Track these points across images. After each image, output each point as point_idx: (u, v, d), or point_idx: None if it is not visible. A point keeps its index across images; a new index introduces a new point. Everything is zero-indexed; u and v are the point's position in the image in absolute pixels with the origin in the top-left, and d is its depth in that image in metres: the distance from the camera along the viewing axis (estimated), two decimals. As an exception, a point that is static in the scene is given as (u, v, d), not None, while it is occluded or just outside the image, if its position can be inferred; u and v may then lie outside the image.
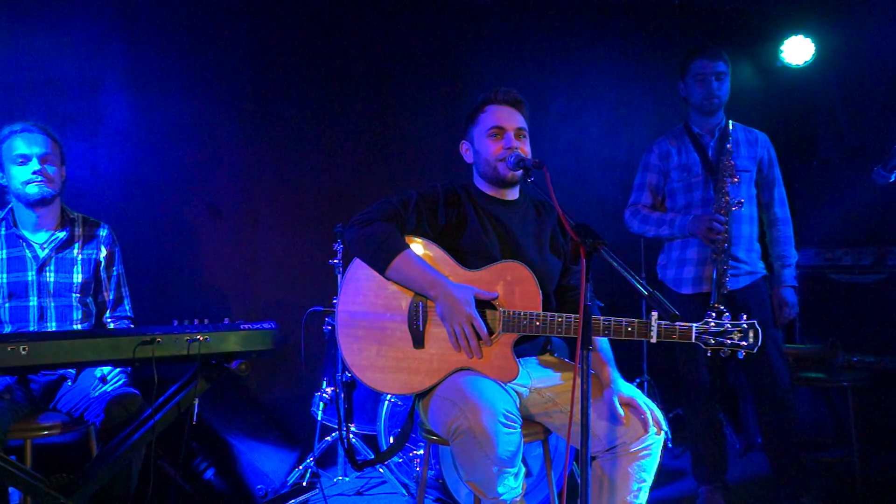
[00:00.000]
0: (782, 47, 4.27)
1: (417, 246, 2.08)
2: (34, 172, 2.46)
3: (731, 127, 2.86)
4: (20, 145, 2.47)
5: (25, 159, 2.47)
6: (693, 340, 1.89)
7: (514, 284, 2.02)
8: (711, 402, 2.93)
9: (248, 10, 3.72)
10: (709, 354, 1.97)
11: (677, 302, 2.85)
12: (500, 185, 2.20)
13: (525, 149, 2.16)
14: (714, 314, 1.91)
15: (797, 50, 4.23)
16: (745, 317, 1.90)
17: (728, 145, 2.81)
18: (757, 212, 2.95)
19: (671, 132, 3.04)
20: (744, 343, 1.87)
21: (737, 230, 2.82)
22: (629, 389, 1.99)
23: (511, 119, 2.17)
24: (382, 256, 2.01)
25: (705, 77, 2.88)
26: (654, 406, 1.96)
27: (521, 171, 2.09)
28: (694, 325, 1.89)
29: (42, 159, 2.49)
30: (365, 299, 2.06)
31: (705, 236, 2.76)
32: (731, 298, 2.76)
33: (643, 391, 4.05)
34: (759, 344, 1.88)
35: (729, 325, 1.89)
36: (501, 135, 2.15)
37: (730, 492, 2.91)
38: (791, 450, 2.82)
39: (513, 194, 2.24)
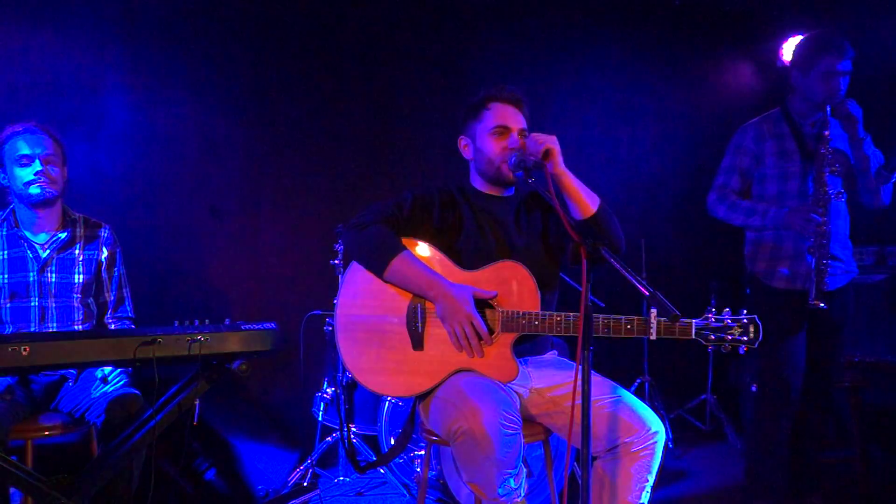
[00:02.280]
0: (782, 47, 4.27)
1: (414, 247, 2.07)
2: (36, 173, 2.46)
3: (829, 113, 2.63)
4: (22, 146, 2.47)
5: (28, 160, 2.47)
6: (693, 336, 1.88)
7: (512, 284, 2.02)
8: (793, 413, 2.72)
9: (249, 11, 3.72)
10: (710, 350, 1.95)
11: (769, 296, 2.71)
12: (499, 184, 2.20)
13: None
14: (714, 309, 1.90)
15: (798, 50, 4.22)
16: (745, 311, 1.89)
17: (826, 132, 2.60)
18: (847, 207, 2.75)
19: (767, 116, 2.80)
20: (744, 338, 1.87)
21: (833, 225, 2.60)
22: None
23: (515, 119, 2.16)
24: (379, 259, 2.01)
25: (834, 76, 2.62)
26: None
27: (521, 172, 2.09)
28: (694, 320, 1.88)
29: (44, 160, 2.49)
30: (364, 302, 2.06)
31: (804, 229, 2.57)
32: (830, 298, 2.59)
33: (644, 391, 4.05)
34: (760, 339, 1.86)
35: (729, 321, 1.87)
36: (506, 134, 2.14)
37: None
38: (811, 451, 2.78)
39: (509, 191, 2.24)
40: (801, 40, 2.74)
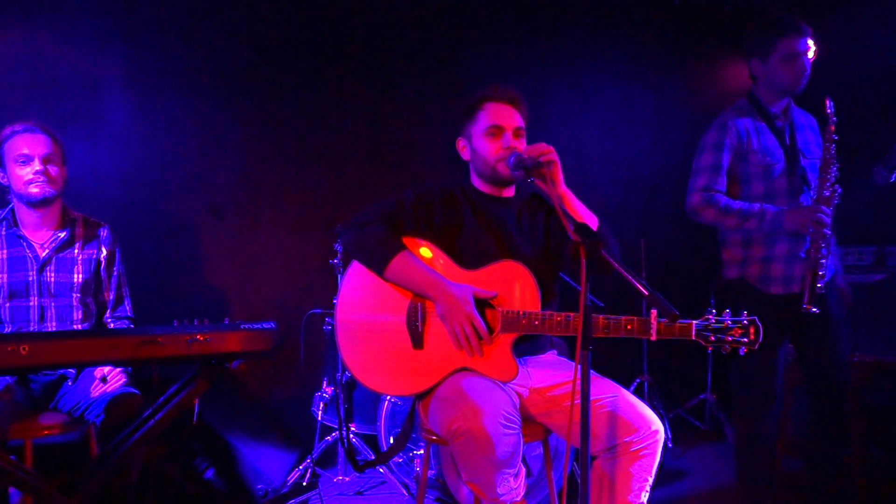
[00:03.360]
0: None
1: (415, 246, 2.07)
2: (36, 173, 2.46)
3: (828, 106, 2.46)
4: (22, 145, 2.47)
5: (27, 160, 2.47)
6: (693, 337, 1.88)
7: (512, 283, 2.02)
8: (775, 415, 2.63)
9: (248, 11, 3.72)
10: (709, 351, 1.94)
11: (764, 301, 2.53)
12: (497, 184, 2.20)
13: (522, 148, 2.16)
14: (714, 310, 1.89)
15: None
16: (745, 313, 1.88)
17: (831, 125, 2.45)
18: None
19: (738, 108, 2.62)
20: (744, 340, 1.86)
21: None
22: None
23: (510, 118, 2.15)
24: (380, 258, 2.01)
25: (798, 57, 2.49)
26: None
27: (520, 172, 2.09)
28: (694, 321, 1.88)
29: (44, 160, 2.49)
30: (364, 301, 2.06)
31: (808, 230, 2.42)
32: (821, 299, 2.47)
33: (643, 391, 4.05)
34: (760, 340, 1.85)
35: (730, 322, 1.87)
36: (500, 134, 2.14)
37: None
38: (835, 450, 2.71)
39: (509, 192, 2.24)
40: (753, 26, 2.60)
